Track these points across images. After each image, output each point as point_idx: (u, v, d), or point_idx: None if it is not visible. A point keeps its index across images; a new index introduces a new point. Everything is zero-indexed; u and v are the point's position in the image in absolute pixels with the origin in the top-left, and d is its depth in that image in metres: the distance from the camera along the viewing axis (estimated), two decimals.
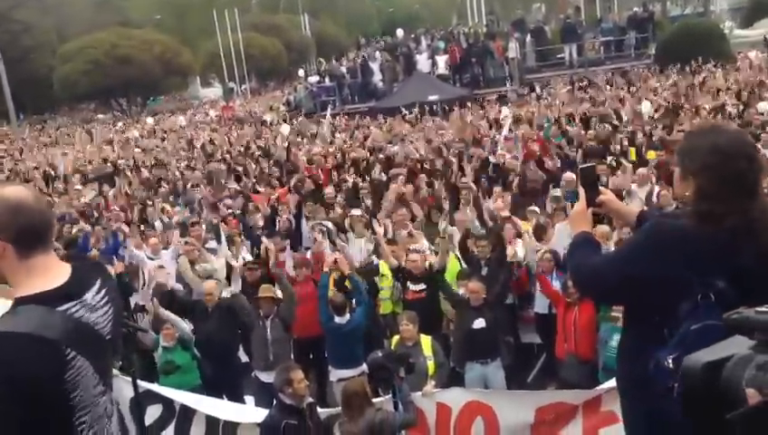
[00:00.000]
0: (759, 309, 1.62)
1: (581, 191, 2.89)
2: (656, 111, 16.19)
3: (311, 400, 5.89)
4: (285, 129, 23.45)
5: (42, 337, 1.98)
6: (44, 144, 33.27)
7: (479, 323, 6.98)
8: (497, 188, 11.01)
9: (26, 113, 53.01)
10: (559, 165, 11.81)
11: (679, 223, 2.43)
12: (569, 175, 10.01)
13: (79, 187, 17.23)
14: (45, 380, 2.00)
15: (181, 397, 6.68)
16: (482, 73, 27.62)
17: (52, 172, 20.35)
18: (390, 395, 5.47)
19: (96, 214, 13.42)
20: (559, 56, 29.32)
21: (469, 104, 22.70)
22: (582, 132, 14.34)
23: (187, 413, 6.59)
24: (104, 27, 54.75)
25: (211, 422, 6.49)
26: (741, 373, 1.54)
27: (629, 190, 9.42)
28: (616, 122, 14.98)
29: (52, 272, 2.17)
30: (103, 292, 2.23)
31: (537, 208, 9.47)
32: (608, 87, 21.98)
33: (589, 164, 3.10)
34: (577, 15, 30.93)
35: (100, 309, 2.19)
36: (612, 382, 5.20)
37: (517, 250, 8.23)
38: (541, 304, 7.78)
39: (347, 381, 6.14)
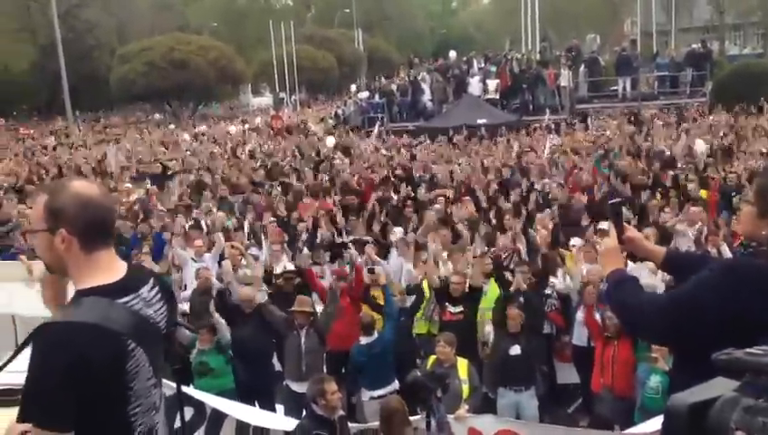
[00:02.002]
0: (749, 350, 1.60)
1: (611, 227, 2.84)
2: (711, 150, 15.91)
3: (342, 413, 5.90)
4: (330, 141, 23.64)
5: (106, 328, 2.06)
6: (98, 141, 34.09)
7: (515, 350, 6.92)
8: (540, 216, 10.93)
9: (82, 110, 54.38)
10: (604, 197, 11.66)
11: (756, 263, 2.37)
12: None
13: (128, 185, 17.59)
14: (107, 368, 2.07)
15: (213, 401, 6.73)
16: (532, 100, 27.50)
17: (103, 169, 20.82)
18: (423, 415, 5.45)
19: (143, 213, 13.68)
20: (612, 88, 29.04)
21: (518, 131, 22.63)
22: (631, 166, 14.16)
23: (218, 417, 6.63)
24: (163, 31, 56.17)
25: (241, 427, 6.53)
26: (729, 416, 1.51)
27: (679, 229, 9.25)
28: (666, 158, 14.78)
29: (112, 267, 2.26)
30: (156, 288, 2.31)
31: (579, 239, 9.38)
32: (660, 123, 21.69)
33: (617, 200, 3.06)
34: (633, 48, 30.60)
35: (155, 304, 2.27)
36: (650, 425, 5.09)
37: (557, 280, 8.17)
38: (579, 336, 7.67)
39: (384, 398, 6.11)
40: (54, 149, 29.03)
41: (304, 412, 6.13)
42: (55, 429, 2.01)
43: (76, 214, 2.17)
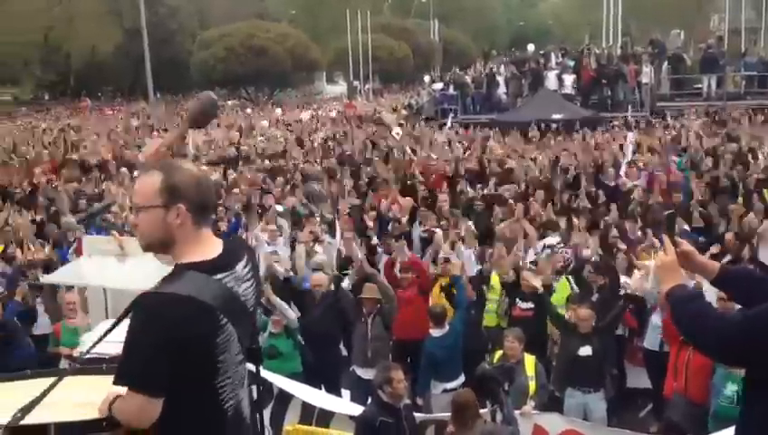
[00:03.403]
0: None
1: (666, 239, 2.72)
2: None
3: (408, 401, 5.93)
4: (398, 131, 23.65)
5: (201, 301, 2.15)
6: (176, 124, 35.07)
7: (585, 350, 6.80)
8: (614, 215, 10.67)
9: (163, 92, 56.03)
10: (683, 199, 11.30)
11: None
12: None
13: (204, 168, 18.04)
14: (200, 340, 2.17)
15: (280, 381, 6.86)
16: (611, 96, 26.81)
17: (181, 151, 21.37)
18: (489, 408, 5.45)
19: (218, 196, 14.00)
20: (696, 86, 28.03)
21: (594, 127, 22.13)
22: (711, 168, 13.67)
23: (285, 398, 6.77)
24: (243, 18, 57.28)
25: (306, 408, 6.64)
26: None
27: (762, 234, 8.87)
28: (749, 161, 14.18)
29: (212, 243, 2.36)
30: (249, 266, 2.40)
31: (657, 242, 9.11)
32: (746, 124, 20.83)
33: (671, 211, 2.94)
34: (719, 45, 29.46)
35: (246, 282, 2.35)
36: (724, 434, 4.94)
37: (631, 281, 7.98)
38: (652, 341, 7.48)
39: (455, 391, 6.11)
40: (137, 130, 30.03)
41: (370, 399, 6.19)
42: (147, 393, 2.12)
43: (192, 191, 2.28)
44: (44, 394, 2.20)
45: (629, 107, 25.31)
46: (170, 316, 2.12)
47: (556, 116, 23.64)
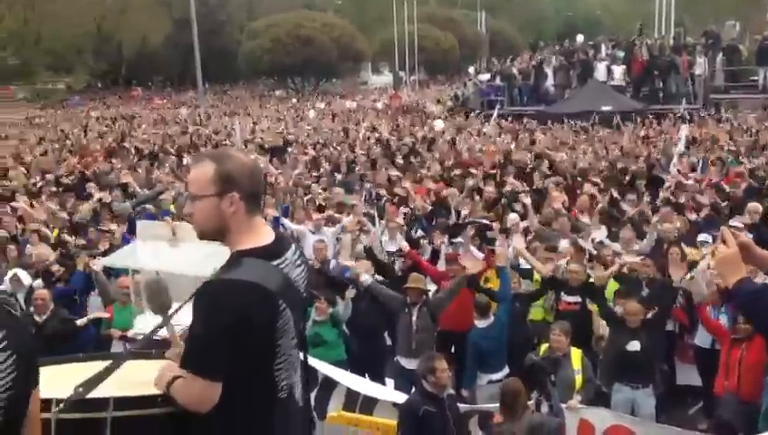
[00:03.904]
0: None
1: (726, 232, 2.63)
2: None
3: (451, 391, 5.92)
4: (439, 124, 23.54)
5: (264, 287, 2.21)
6: (223, 113, 35.56)
7: (634, 345, 6.69)
8: (665, 209, 10.45)
9: (211, 82, 56.83)
10: (740, 194, 11.01)
11: None
12: (754, 205, 9.34)
13: (252, 156, 18.23)
14: (263, 325, 2.22)
15: (324, 368, 6.92)
16: (662, 88, 26.24)
17: (228, 141, 21.71)
18: (535, 399, 5.42)
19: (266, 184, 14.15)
20: (751, 78, 27.26)
21: (644, 119, 21.71)
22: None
23: (329, 385, 6.81)
24: (290, 8, 57.64)
25: (351, 395, 6.68)
26: None
27: None
28: None
29: (264, 231, 2.40)
30: (298, 253, 2.44)
31: (710, 236, 8.91)
32: None
33: (725, 204, 2.85)
34: None
35: (298, 268, 2.40)
36: None
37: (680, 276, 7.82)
38: (703, 338, 7.33)
39: (505, 381, 6.08)
40: (186, 120, 30.53)
41: (414, 388, 6.20)
42: (209, 377, 2.18)
43: (244, 180, 2.32)
44: (108, 372, 2.27)
45: (683, 100, 24.74)
46: (237, 303, 2.16)
47: (606, 108, 23.27)
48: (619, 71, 27.06)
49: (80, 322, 7.59)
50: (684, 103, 24.19)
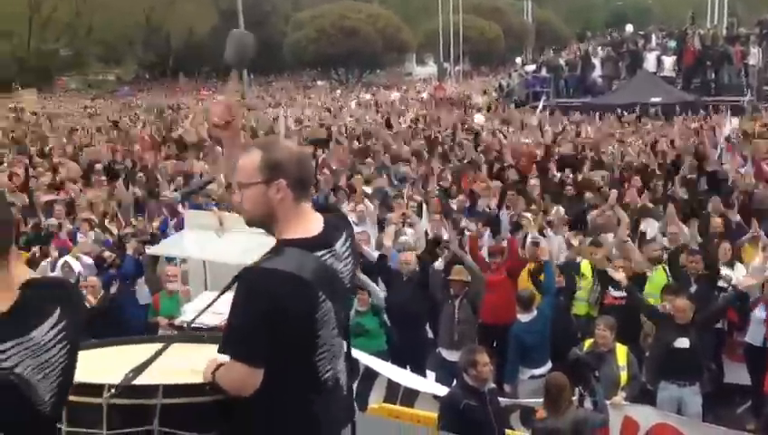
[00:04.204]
0: None
1: None
2: None
3: (493, 385, 5.89)
4: (479, 118, 23.33)
5: (302, 278, 2.21)
6: (268, 104, 35.82)
7: (682, 342, 6.55)
8: (715, 203, 10.19)
9: (257, 74, 57.30)
10: None
11: None
12: None
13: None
14: (300, 315, 2.23)
15: (366, 359, 6.94)
16: (714, 79, 25.57)
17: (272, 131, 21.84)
18: (578, 394, 5.37)
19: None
20: None
21: (696, 111, 21.19)
22: None
23: (370, 375, 6.84)
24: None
25: (392, 387, 6.70)
26: None
27: None
28: None
29: (313, 219, 2.39)
30: (348, 244, 2.43)
31: (762, 233, 8.67)
32: None
33: None
34: None
35: (344, 260, 2.39)
36: None
37: (730, 273, 7.65)
38: (754, 335, 7.14)
39: (549, 375, 6.03)
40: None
41: (455, 381, 6.19)
42: (248, 362, 2.20)
43: (292, 168, 2.33)
44: (155, 357, 2.31)
45: (747, 91, 24.04)
46: (272, 291, 2.18)
47: (655, 99, 22.80)
48: (669, 62, 26.48)
49: None
50: (748, 96, 23.48)
